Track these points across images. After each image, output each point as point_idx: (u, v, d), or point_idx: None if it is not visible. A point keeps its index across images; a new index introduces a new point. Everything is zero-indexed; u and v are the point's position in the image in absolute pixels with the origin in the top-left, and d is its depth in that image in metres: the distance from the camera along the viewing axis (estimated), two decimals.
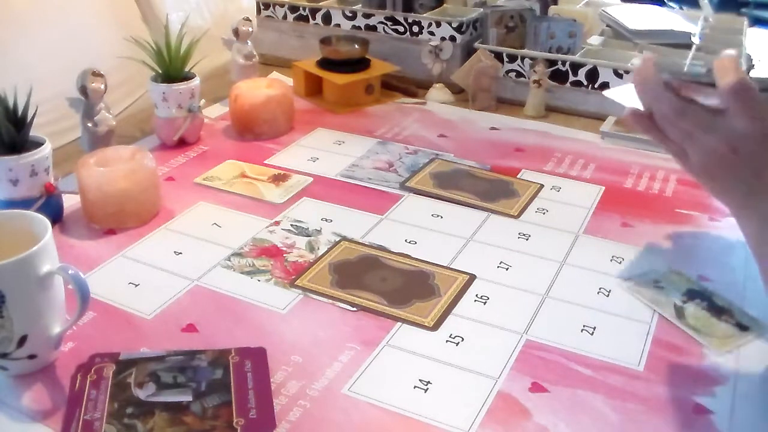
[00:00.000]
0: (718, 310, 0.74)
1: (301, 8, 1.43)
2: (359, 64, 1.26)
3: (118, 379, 0.63)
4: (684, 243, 0.86)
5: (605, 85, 1.19)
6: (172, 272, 0.79)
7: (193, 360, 0.65)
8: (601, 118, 1.18)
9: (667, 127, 0.69)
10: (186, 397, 0.61)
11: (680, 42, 1.31)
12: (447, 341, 0.69)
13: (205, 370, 0.64)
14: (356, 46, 1.27)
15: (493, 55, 1.24)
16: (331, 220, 0.89)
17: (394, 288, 0.77)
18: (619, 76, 1.17)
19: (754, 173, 0.65)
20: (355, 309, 0.73)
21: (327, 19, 1.41)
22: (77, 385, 0.62)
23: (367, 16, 1.37)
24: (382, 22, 1.35)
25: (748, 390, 0.64)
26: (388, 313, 0.73)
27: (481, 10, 1.34)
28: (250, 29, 1.22)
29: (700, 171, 0.69)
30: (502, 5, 1.31)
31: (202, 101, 1.08)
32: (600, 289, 0.77)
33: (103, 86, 0.97)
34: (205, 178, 0.99)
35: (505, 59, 1.25)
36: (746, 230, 0.68)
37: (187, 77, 1.05)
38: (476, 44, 1.26)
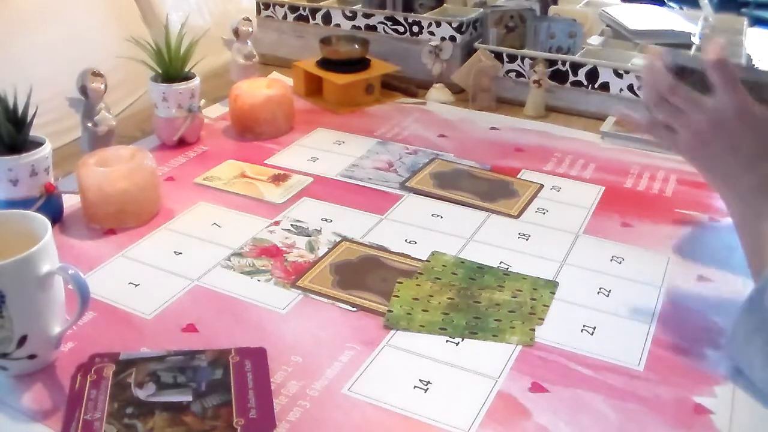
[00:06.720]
0: None
1: (301, 8, 1.43)
2: (359, 64, 1.26)
3: (118, 379, 0.63)
4: (684, 243, 0.86)
5: (605, 85, 1.19)
6: (172, 272, 0.79)
7: (193, 360, 0.65)
8: (601, 118, 1.18)
9: (661, 105, 0.69)
10: (186, 397, 0.61)
11: (680, 42, 1.31)
12: (447, 341, 0.69)
13: (205, 370, 0.64)
14: (356, 46, 1.27)
15: (493, 55, 1.24)
16: (331, 220, 0.89)
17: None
18: (619, 76, 1.17)
19: (730, 150, 0.65)
20: (355, 309, 0.73)
21: (327, 19, 1.41)
22: (77, 385, 0.62)
23: (367, 16, 1.37)
24: (382, 22, 1.35)
25: (748, 390, 0.64)
26: None
27: (481, 10, 1.34)
28: (250, 29, 1.22)
29: (685, 148, 0.69)
30: (502, 5, 1.31)
31: (202, 101, 1.08)
32: (600, 289, 0.77)
33: (103, 86, 0.97)
34: (205, 178, 0.99)
35: (505, 59, 1.25)
36: (730, 210, 0.67)
37: (187, 77, 1.05)
38: (476, 44, 1.26)
